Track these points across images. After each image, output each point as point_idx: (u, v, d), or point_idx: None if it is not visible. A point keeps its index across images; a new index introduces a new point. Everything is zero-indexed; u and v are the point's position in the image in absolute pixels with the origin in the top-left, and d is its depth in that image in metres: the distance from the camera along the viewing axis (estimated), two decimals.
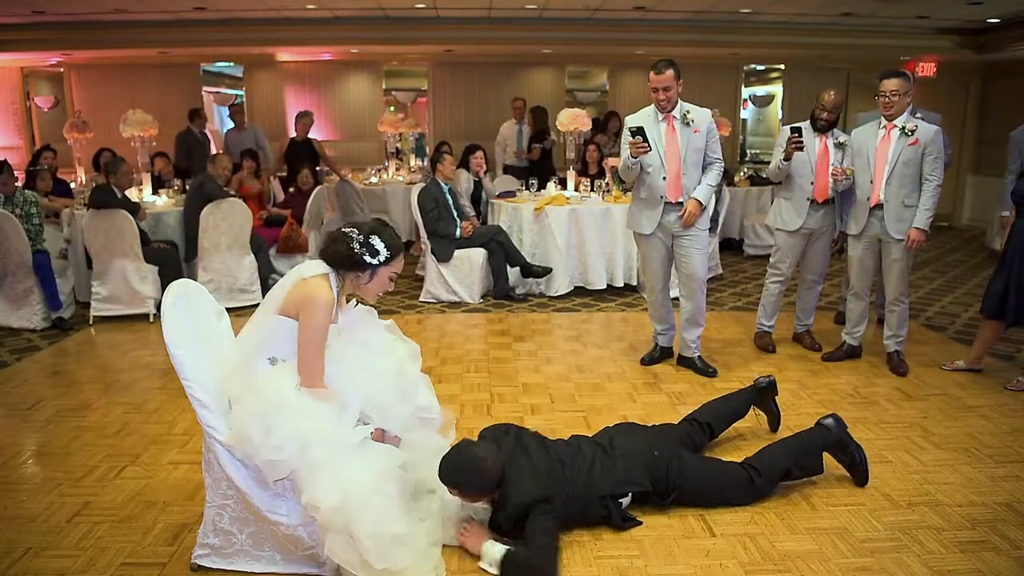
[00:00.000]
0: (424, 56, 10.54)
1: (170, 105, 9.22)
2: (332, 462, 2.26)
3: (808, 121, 4.51)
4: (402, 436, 2.58)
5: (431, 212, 6.06)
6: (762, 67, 11.16)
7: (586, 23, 8.96)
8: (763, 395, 3.46)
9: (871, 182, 4.25)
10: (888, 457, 3.31)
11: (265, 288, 5.90)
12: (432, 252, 6.09)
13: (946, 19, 8.62)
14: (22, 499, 2.97)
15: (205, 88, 10.39)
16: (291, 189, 7.47)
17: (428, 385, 2.76)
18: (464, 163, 6.85)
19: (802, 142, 4.38)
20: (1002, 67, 9.92)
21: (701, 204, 4.13)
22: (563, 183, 6.89)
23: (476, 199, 6.83)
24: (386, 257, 2.48)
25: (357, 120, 10.72)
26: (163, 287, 4.86)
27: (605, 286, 6.27)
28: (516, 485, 2.56)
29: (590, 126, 7.10)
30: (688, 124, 4.10)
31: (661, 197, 4.17)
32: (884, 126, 4.22)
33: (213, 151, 8.34)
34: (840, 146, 4.46)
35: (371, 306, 2.81)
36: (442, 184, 6.23)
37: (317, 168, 7.75)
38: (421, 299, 6.18)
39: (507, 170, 8.65)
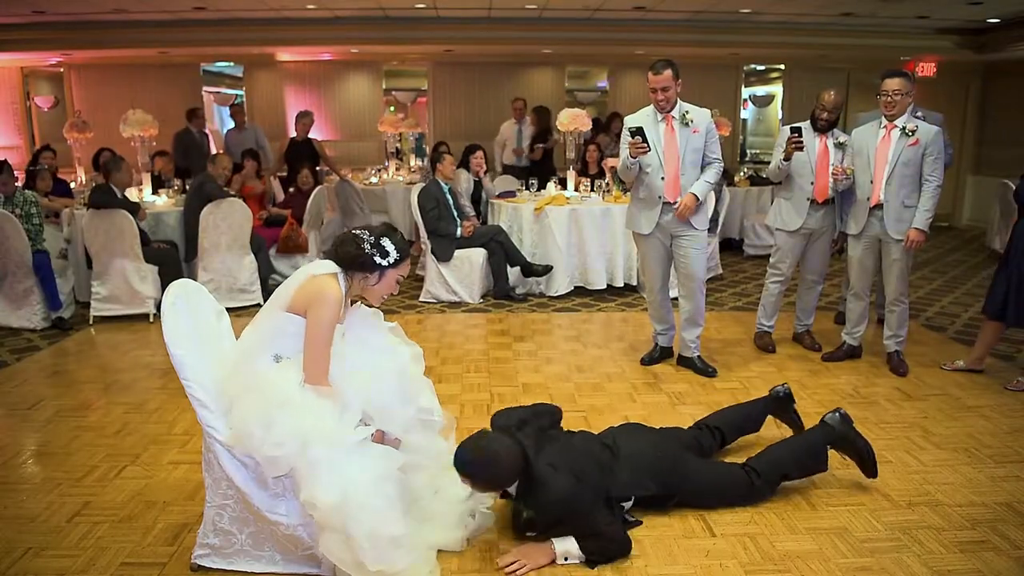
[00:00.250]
0: (424, 56, 10.54)
1: (170, 105, 9.21)
2: (332, 460, 2.26)
3: (808, 121, 4.51)
4: (403, 438, 2.58)
5: (432, 211, 6.06)
6: (762, 67, 11.16)
7: (586, 23, 8.96)
8: (781, 405, 3.33)
9: (871, 182, 4.25)
10: (888, 457, 3.31)
11: (265, 288, 5.91)
12: (432, 252, 6.09)
13: (946, 19, 8.61)
14: (22, 499, 2.98)
15: (205, 88, 10.38)
16: (291, 189, 7.47)
17: (430, 388, 2.77)
18: (464, 163, 6.85)
19: (802, 142, 4.38)
20: (1002, 67, 9.92)
21: (697, 198, 4.11)
22: (563, 183, 6.89)
23: (476, 199, 6.82)
24: (395, 259, 2.51)
25: (357, 120, 10.72)
26: (163, 287, 4.86)
27: (605, 286, 6.27)
28: (551, 479, 2.50)
29: (590, 126, 7.10)
30: (687, 124, 4.10)
31: (659, 197, 4.17)
32: (884, 126, 4.22)
33: (212, 151, 8.35)
34: (840, 146, 4.46)
35: (374, 307, 2.81)
36: (442, 184, 6.23)
37: (317, 168, 7.76)
38: (421, 299, 6.18)
39: (507, 170, 8.66)
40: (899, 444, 3.46)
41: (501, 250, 6.10)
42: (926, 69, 10.03)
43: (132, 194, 6.13)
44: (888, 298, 4.43)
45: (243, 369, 2.43)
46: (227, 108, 9.65)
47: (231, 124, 8.91)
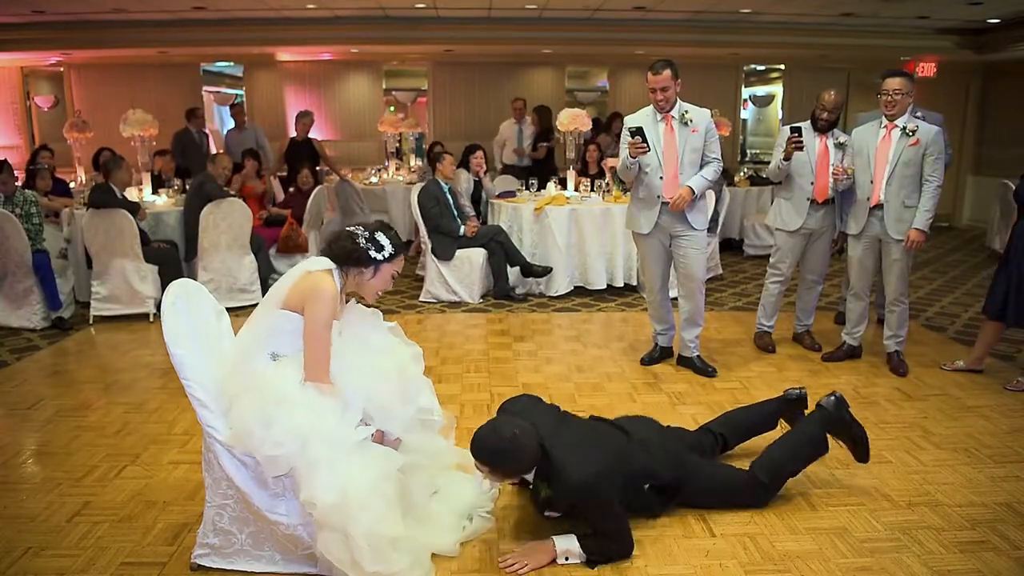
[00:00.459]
0: (424, 56, 10.54)
1: (170, 105, 9.21)
2: (332, 460, 2.26)
3: (808, 121, 4.51)
4: (403, 438, 2.58)
5: (433, 210, 6.06)
6: (762, 67, 11.16)
7: (586, 23, 8.96)
8: (795, 407, 3.23)
9: (871, 182, 4.25)
10: (888, 457, 3.31)
11: (265, 288, 5.90)
12: (433, 251, 6.08)
13: (946, 19, 8.62)
14: (22, 499, 2.98)
15: (205, 88, 10.39)
16: (291, 189, 7.48)
17: (430, 388, 2.77)
18: (464, 163, 6.85)
19: (802, 142, 4.38)
20: (1002, 67, 9.92)
21: (693, 192, 4.08)
22: (563, 183, 6.89)
23: (476, 199, 6.83)
24: (390, 253, 2.52)
25: (357, 120, 10.72)
26: (163, 287, 4.87)
27: (605, 286, 6.27)
28: (571, 463, 2.46)
29: (590, 126, 7.10)
30: (686, 124, 4.10)
31: (658, 197, 4.17)
32: (885, 126, 4.22)
33: (212, 150, 8.35)
34: (840, 146, 4.46)
35: (373, 306, 2.81)
36: (442, 184, 6.23)
37: (317, 168, 7.76)
38: (421, 299, 6.18)
39: (507, 170, 8.66)
40: (899, 444, 3.46)
41: (501, 250, 6.10)
42: (926, 69, 10.03)
43: (132, 194, 6.13)
44: (888, 298, 4.43)
45: (241, 368, 2.43)
46: (227, 108, 9.65)
47: (231, 124, 8.91)
